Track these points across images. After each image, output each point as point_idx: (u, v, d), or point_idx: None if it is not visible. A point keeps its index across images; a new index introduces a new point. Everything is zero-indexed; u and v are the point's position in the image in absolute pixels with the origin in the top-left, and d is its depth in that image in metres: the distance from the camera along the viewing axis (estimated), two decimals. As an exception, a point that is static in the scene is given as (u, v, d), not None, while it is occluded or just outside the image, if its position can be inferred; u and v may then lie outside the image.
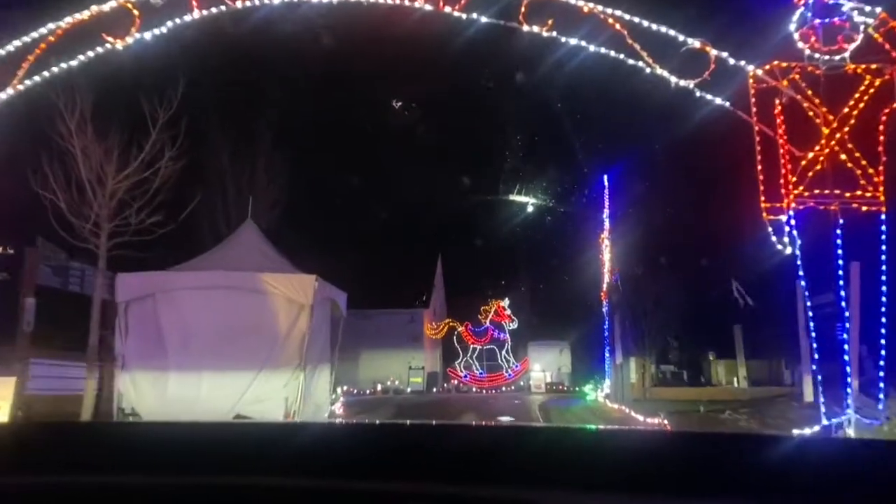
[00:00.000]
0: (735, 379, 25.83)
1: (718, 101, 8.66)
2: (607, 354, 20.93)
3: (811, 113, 8.36)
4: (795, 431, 8.12)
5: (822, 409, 7.83)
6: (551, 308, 36.52)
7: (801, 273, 8.09)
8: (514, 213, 36.98)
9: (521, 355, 32.92)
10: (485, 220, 37.17)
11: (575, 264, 36.08)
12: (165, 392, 11.70)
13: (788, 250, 8.17)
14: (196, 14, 8.90)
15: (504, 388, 30.94)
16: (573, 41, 8.71)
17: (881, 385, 7.96)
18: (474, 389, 29.79)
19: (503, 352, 31.95)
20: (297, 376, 11.86)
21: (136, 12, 8.98)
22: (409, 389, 27.59)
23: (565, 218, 36.47)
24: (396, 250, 32.90)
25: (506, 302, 32.09)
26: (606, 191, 21.00)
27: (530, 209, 36.88)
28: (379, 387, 26.25)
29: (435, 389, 28.74)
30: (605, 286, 20.35)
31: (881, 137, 8.23)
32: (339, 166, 31.52)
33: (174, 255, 13.45)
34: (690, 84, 8.62)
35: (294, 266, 13.34)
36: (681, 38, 8.57)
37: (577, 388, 31.12)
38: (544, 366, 32.64)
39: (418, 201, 34.65)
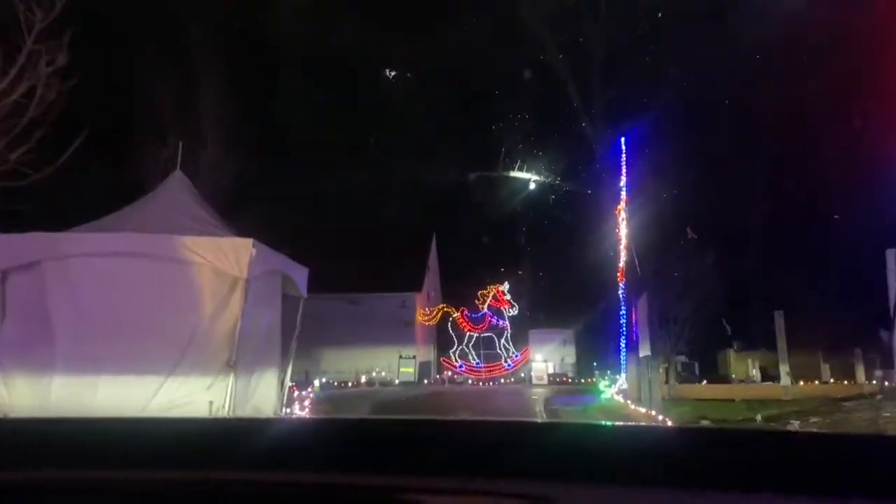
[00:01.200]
0: (756, 373, 22.68)
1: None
2: (623, 344, 17.80)
3: None
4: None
5: None
6: (554, 293, 33.37)
7: None
8: (516, 191, 33.79)
9: (521, 344, 29.81)
10: (484, 198, 33.94)
11: (581, 245, 32.94)
12: (49, 394, 8.57)
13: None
14: None
15: (503, 380, 27.85)
16: None
17: None
18: (470, 381, 26.69)
19: (502, 340, 28.84)
20: (227, 373, 8.73)
21: None
22: (397, 381, 24.47)
23: (571, 196, 33.30)
24: (386, 228, 29.74)
25: (505, 286, 28.93)
26: (624, 156, 17.80)
27: (532, 186, 33.67)
28: (363, 378, 23.09)
29: (426, 381, 25.62)
30: (621, 265, 17.18)
31: None
32: (316, 128, 28.18)
33: (81, 213, 10.27)
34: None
35: (233, 232, 10.16)
36: None
37: (583, 381, 28.04)
38: (546, 356, 29.52)
39: (411, 174, 31.41)
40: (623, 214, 17.22)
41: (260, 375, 9.94)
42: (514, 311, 28.85)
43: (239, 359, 8.91)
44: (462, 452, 1.16)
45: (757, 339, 23.79)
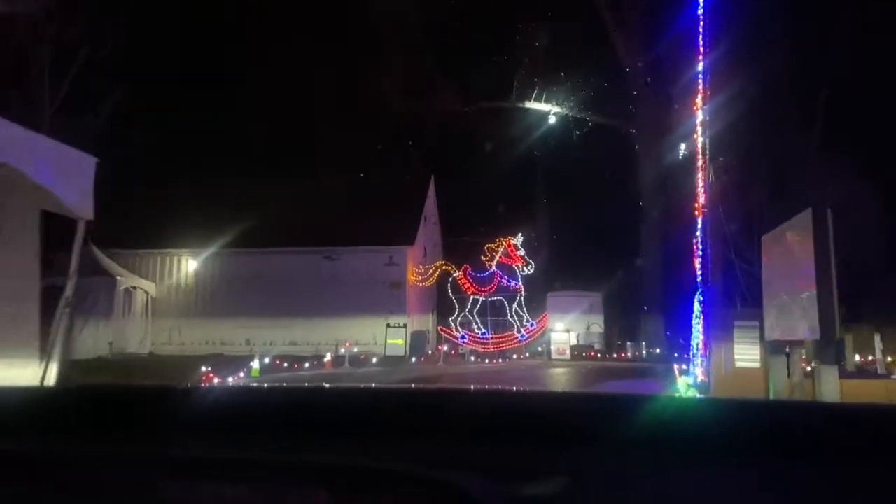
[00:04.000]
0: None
1: None
2: (697, 311, 11.53)
3: None
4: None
5: None
6: (578, 248, 26.98)
7: None
8: (533, 126, 27.11)
9: (537, 310, 23.46)
10: (494, 134, 27.30)
11: (612, 190, 26.44)
12: None
13: None
14: None
15: (515, 355, 21.62)
16: None
17: None
18: (472, 358, 20.40)
19: (514, 305, 22.46)
20: None
21: None
22: (374, 360, 18.14)
23: (601, 129, 26.58)
24: (373, 168, 23.35)
25: (518, 239, 22.46)
26: (701, 25, 11.09)
27: (552, 119, 26.95)
28: (328, 356, 16.75)
29: (414, 359, 19.31)
30: (700, 189, 10.67)
31: None
32: (281, 39, 21.51)
33: None
34: None
35: None
36: None
37: (615, 356, 21.77)
38: (569, 325, 23.28)
39: (405, 104, 24.74)
40: (702, 114, 10.59)
41: None
42: (530, 270, 22.43)
43: None
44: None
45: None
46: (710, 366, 10.71)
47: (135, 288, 21.51)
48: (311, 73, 21.76)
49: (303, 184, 22.40)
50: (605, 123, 26.42)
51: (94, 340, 19.77)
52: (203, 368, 12.08)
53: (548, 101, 26.38)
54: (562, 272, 27.09)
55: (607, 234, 26.95)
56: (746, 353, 9.83)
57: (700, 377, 11.02)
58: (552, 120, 27.03)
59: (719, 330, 10.21)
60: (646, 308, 25.38)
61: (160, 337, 22.57)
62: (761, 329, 9.67)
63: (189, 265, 23.27)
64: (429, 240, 25.30)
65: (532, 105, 26.52)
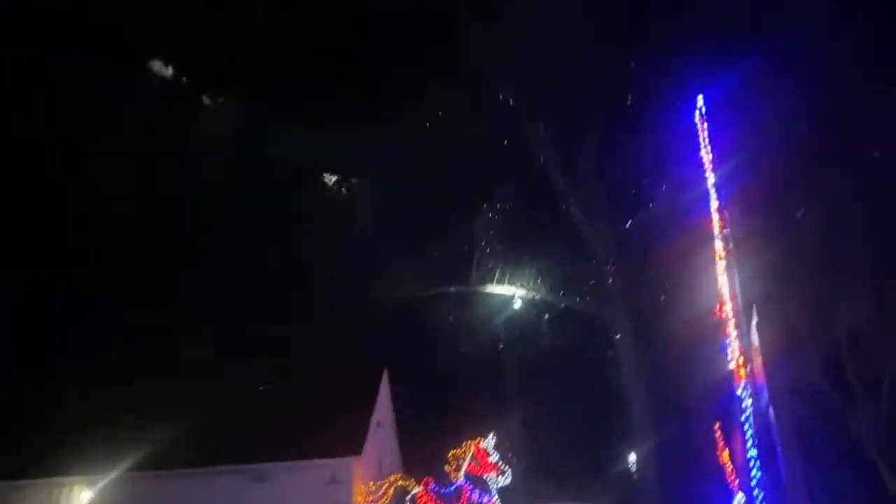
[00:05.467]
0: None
1: None
2: None
3: None
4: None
5: None
6: (563, 450, 22.84)
7: None
8: (496, 310, 24.28)
9: (518, 531, 18.67)
10: (454, 322, 24.30)
11: (593, 375, 23.08)
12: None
13: None
14: None
15: None
16: None
17: None
18: None
19: (490, 528, 17.71)
20: None
21: None
22: None
23: (572, 312, 23.87)
24: (311, 364, 19.83)
25: (489, 441, 18.35)
26: (703, 130, 8.65)
27: (518, 304, 24.21)
28: None
29: None
30: (732, 347, 7.38)
31: None
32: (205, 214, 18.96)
33: None
34: None
35: None
36: None
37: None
38: (560, 549, 18.47)
39: (351, 291, 21.92)
40: (721, 242, 7.67)
41: None
42: (506, 480, 18.02)
43: None
44: None
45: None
46: None
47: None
48: (237, 244, 19.08)
49: (223, 385, 18.58)
50: (575, 307, 23.72)
51: None
52: None
53: (511, 283, 23.80)
54: (544, 479, 22.58)
55: (593, 428, 23.12)
56: None
57: None
58: (517, 304, 24.29)
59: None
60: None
61: None
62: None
63: (83, 497, 18.44)
64: (383, 448, 20.94)
65: (494, 289, 23.88)
